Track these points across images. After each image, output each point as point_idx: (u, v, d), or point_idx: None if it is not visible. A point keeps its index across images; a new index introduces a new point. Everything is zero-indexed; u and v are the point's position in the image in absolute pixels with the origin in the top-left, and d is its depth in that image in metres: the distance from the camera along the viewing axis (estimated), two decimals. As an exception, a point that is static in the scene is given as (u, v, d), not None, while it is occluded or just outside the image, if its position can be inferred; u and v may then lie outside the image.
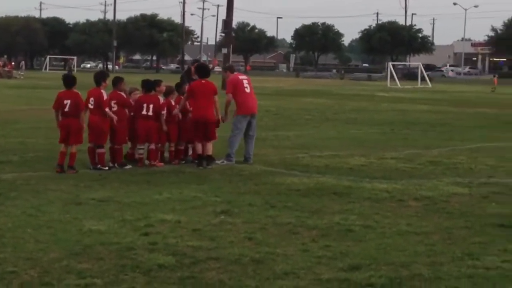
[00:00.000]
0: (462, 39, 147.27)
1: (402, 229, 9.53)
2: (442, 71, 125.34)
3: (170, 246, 8.40)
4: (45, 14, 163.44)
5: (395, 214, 10.57)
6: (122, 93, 14.75)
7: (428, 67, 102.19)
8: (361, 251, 8.34)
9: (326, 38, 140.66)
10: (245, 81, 15.84)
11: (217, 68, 69.90)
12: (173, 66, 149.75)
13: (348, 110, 34.39)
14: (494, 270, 7.65)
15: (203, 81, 15.02)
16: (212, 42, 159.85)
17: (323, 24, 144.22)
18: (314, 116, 30.31)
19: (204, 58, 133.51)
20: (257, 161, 15.60)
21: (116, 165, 14.41)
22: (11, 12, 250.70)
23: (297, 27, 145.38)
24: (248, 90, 15.72)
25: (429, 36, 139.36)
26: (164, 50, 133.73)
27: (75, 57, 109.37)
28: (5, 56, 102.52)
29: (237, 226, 9.51)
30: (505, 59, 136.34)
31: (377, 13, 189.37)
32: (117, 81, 14.88)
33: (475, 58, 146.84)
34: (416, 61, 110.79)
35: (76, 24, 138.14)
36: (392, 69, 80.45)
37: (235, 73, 16.45)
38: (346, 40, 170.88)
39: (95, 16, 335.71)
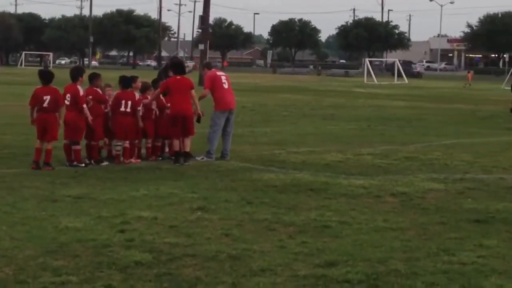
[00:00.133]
0: (438, 35, 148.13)
1: (378, 225, 9.57)
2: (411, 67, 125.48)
3: (147, 243, 8.37)
4: (21, 10, 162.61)
5: (372, 210, 10.60)
6: (98, 89, 14.69)
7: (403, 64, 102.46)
8: (337, 247, 8.36)
9: (303, 34, 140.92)
10: (223, 77, 15.85)
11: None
12: (149, 62, 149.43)
13: (325, 106, 34.47)
14: (469, 266, 7.69)
15: (178, 77, 14.99)
16: (189, 38, 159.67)
17: (300, 20, 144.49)
18: (291, 112, 30.35)
19: (181, 54, 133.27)
20: (234, 157, 15.60)
21: (92, 161, 14.35)
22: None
23: (274, 23, 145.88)
24: (226, 86, 15.71)
25: (405, 32, 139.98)
26: (141, 46, 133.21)
27: (51, 53, 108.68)
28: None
29: (213, 223, 9.50)
30: (480, 55, 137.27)
31: (354, 9, 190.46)
32: (94, 77, 14.80)
33: (451, 54, 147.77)
34: (392, 57, 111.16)
35: (52, 20, 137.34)
36: (369, 65, 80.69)
37: (213, 69, 16.45)
38: (323, 36, 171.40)
39: (70, 11, 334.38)
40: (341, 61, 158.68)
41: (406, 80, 77.33)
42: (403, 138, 20.81)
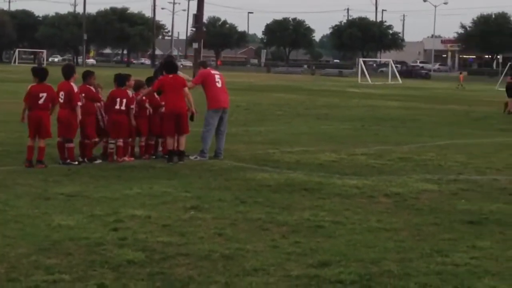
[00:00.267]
0: (432, 36, 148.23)
1: (372, 226, 9.56)
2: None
3: (140, 241, 8.35)
4: (14, 7, 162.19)
5: (365, 210, 10.59)
6: (91, 87, 14.66)
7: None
8: (331, 248, 8.35)
9: (297, 34, 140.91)
10: (216, 76, 15.82)
11: None
12: (144, 60, 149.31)
13: (319, 106, 34.47)
14: (462, 267, 7.69)
15: (170, 76, 14.97)
16: (183, 36, 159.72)
17: (294, 19, 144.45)
18: (285, 111, 30.34)
19: (175, 52, 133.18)
20: (227, 156, 15.58)
21: (85, 159, 14.31)
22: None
23: (268, 22, 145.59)
24: (219, 85, 15.68)
25: (399, 33, 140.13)
26: (135, 44, 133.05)
27: (44, 51, 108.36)
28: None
29: (207, 222, 9.48)
30: (474, 56, 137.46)
31: (348, 9, 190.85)
32: (87, 75, 14.78)
33: (445, 55, 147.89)
34: (386, 58, 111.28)
35: (46, 17, 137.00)
36: (363, 65, 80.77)
37: (208, 68, 16.47)
38: (317, 36, 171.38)
39: (64, 9, 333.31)
40: (335, 60, 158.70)
41: (400, 80, 77.40)
42: (397, 138, 20.82)
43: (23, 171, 13.12)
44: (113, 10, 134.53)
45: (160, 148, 15.46)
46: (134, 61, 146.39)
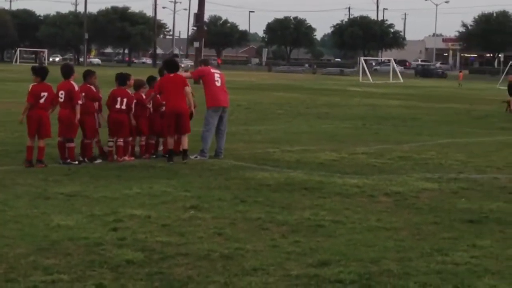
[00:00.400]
0: (433, 35, 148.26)
1: (372, 225, 9.54)
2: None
3: (139, 241, 8.33)
4: (15, 6, 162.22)
5: (366, 209, 10.57)
6: (92, 87, 14.64)
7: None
8: (330, 247, 8.33)
9: (298, 33, 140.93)
10: (216, 75, 15.80)
11: None
12: (145, 59, 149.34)
13: (320, 105, 34.44)
14: (463, 266, 7.67)
15: (171, 75, 14.95)
16: (184, 35, 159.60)
17: (295, 18, 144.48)
18: (286, 110, 30.32)
19: (176, 51, 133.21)
20: (227, 155, 15.56)
21: (85, 159, 14.29)
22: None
23: (269, 21, 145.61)
24: (218, 84, 15.65)
25: (400, 31, 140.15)
26: (136, 44, 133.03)
27: (46, 50, 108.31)
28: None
29: (206, 222, 9.46)
30: (475, 55, 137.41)
31: (349, 8, 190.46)
32: (88, 75, 14.77)
33: (446, 54, 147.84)
34: (387, 56, 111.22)
35: (47, 17, 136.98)
36: (364, 64, 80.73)
37: (209, 66, 16.49)
38: (318, 35, 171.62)
39: (65, 8, 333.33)
40: (336, 59, 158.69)
41: (401, 79, 77.36)
42: (397, 137, 20.79)
43: (23, 170, 13.10)
44: (114, 9, 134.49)
45: (160, 148, 15.46)
46: (136, 61, 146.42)
